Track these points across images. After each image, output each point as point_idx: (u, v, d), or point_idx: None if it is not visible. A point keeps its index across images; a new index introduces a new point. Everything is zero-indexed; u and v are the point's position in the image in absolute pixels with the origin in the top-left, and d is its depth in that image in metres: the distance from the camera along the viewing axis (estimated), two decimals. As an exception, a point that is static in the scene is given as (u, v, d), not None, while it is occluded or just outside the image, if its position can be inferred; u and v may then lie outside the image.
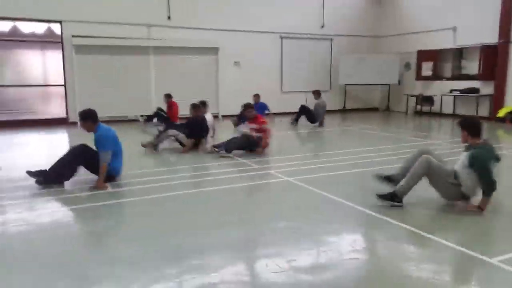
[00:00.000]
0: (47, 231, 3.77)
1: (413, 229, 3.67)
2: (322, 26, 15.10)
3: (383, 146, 8.02)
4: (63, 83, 12.01)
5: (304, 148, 8.90)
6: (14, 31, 11.67)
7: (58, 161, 5.14)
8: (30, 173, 5.13)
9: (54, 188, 5.04)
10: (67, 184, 5.20)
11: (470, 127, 4.18)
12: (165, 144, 7.87)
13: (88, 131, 5.19)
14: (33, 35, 11.87)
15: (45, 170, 5.14)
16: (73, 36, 11.64)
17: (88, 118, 5.12)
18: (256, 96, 11.57)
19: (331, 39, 15.35)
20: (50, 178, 5.10)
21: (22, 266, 3.03)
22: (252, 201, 4.90)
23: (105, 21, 11.93)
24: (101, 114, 5.62)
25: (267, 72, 14.44)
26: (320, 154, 7.88)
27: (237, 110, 12.52)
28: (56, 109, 12.41)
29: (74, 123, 11.85)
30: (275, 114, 12.39)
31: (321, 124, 11.32)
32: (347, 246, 3.34)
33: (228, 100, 13.35)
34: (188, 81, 13.17)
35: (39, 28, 11.91)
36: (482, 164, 3.99)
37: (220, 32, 13.39)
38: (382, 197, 4.27)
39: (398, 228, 3.71)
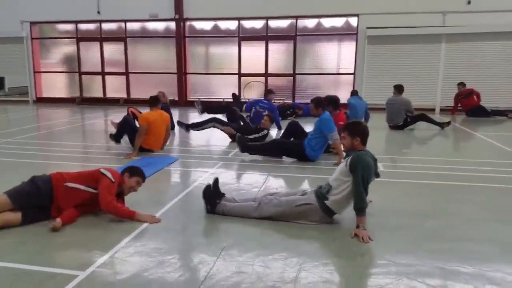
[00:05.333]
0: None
1: None
2: None
3: None
4: (352, 72, 13.10)
5: None
6: (317, 27, 13.39)
7: None
8: None
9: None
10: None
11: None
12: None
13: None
14: (332, 28, 13.31)
15: None
16: (367, 28, 12.45)
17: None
18: None
19: None
20: None
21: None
22: None
23: (400, 11, 12.19)
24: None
25: None
26: None
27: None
28: (342, 95, 13.57)
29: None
30: None
31: None
32: None
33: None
34: (483, 69, 12.18)
35: (338, 22, 13.25)
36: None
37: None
38: None
39: None
